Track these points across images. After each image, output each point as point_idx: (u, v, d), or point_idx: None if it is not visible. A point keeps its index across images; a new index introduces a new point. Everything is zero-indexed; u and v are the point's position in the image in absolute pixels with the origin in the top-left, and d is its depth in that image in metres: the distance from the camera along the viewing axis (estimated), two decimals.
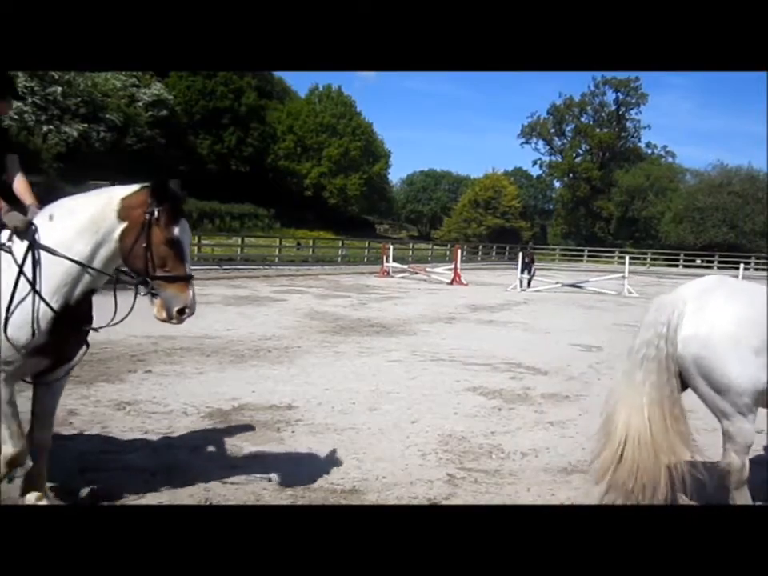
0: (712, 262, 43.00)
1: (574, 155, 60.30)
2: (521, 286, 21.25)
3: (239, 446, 4.58)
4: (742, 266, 20.48)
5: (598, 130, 59.30)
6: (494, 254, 44.11)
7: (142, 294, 3.07)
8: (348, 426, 5.19)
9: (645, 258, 45.05)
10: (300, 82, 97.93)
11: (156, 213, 2.97)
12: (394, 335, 10.27)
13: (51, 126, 27.15)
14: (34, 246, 3.00)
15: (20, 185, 3.33)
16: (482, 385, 6.92)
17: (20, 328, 2.94)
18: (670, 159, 59.95)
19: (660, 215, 50.96)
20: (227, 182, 39.53)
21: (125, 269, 3.15)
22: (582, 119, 60.44)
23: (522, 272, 21.66)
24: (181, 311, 3.02)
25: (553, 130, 61.70)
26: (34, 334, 2.97)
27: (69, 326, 3.08)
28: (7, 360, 2.98)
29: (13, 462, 3.07)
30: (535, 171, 67.88)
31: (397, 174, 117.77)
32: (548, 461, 4.64)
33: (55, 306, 2.99)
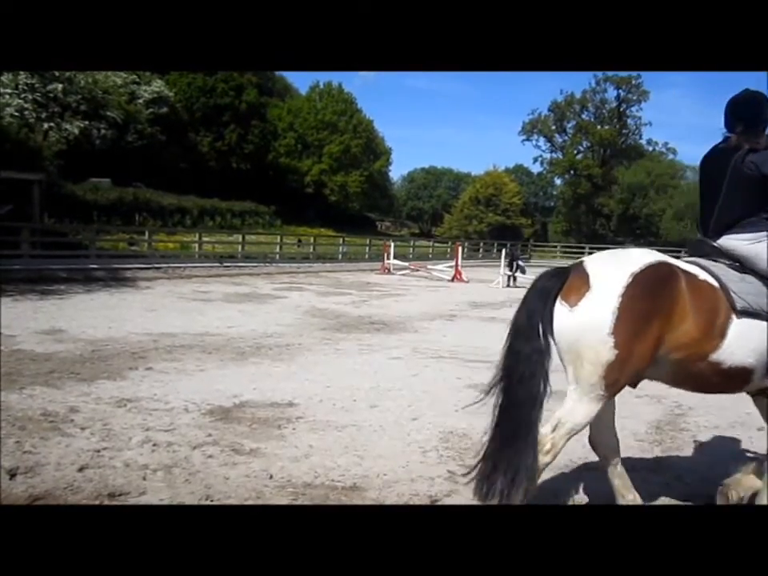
0: None
1: (575, 152, 60.30)
2: (506, 282, 21.23)
3: (240, 442, 4.59)
4: None
5: (599, 126, 59.31)
6: (495, 251, 44.03)
7: None
8: (349, 423, 5.20)
9: None
10: (301, 80, 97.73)
11: None
12: (395, 332, 10.28)
13: (52, 124, 27.14)
14: None
15: None
16: (483, 382, 6.83)
17: None
18: (671, 156, 60.11)
19: (661, 212, 50.99)
20: (228, 180, 39.59)
21: None
22: (583, 116, 60.46)
23: (508, 269, 21.67)
24: None
25: (554, 127, 61.71)
26: None
27: None
28: None
29: None
30: (536, 168, 68.08)
31: (398, 172, 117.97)
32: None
33: None
